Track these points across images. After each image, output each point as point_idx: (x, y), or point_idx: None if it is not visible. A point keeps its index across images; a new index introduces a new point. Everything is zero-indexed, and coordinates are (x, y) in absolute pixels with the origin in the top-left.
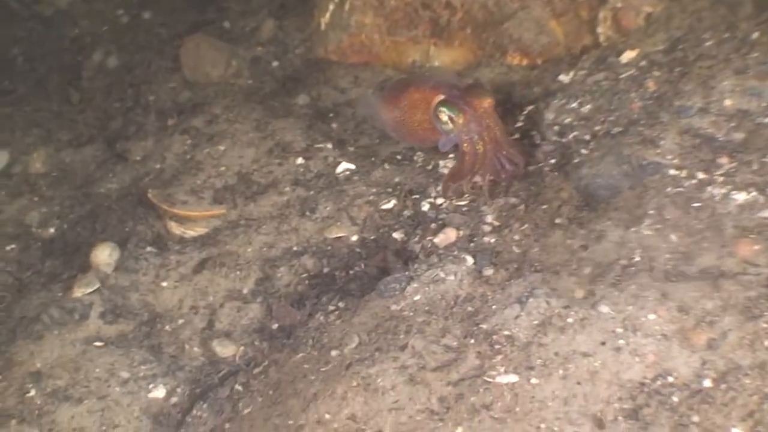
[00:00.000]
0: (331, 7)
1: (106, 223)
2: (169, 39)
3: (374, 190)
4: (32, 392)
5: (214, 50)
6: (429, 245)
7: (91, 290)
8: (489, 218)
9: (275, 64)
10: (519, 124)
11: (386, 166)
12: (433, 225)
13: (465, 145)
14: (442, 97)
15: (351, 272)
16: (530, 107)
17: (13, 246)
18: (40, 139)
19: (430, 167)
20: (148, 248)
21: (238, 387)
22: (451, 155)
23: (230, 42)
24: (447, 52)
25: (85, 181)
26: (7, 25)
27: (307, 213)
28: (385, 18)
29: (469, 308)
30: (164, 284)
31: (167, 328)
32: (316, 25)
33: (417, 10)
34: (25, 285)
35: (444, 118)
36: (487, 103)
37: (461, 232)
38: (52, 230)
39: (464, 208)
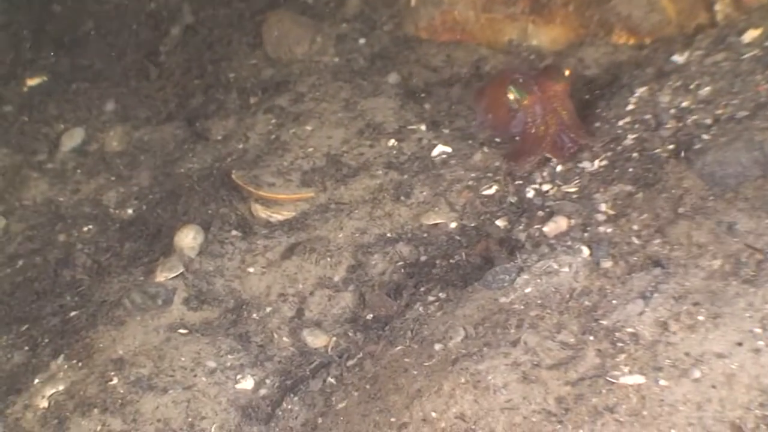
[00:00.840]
0: None
1: (188, 204)
2: (249, 14)
3: (474, 174)
4: (115, 380)
5: (298, 26)
6: (537, 234)
7: (174, 275)
8: (603, 206)
9: (362, 41)
10: (630, 107)
11: (485, 149)
12: (540, 213)
13: (527, 125)
14: (515, 76)
15: (451, 261)
16: (642, 89)
17: (90, 227)
18: (116, 117)
19: None
20: (233, 232)
21: (331, 380)
22: None
23: (314, 18)
24: (546, 30)
25: (164, 161)
26: None
27: (402, 198)
28: None
29: (587, 303)
30: (251, 270)
31: (254, 316)
32: (406, 0)
33: None
34: (104, 268)
35: (511, 97)
36: (560, 87)
37: (573, 221)
38: (130, 211)
39: (574, 195)
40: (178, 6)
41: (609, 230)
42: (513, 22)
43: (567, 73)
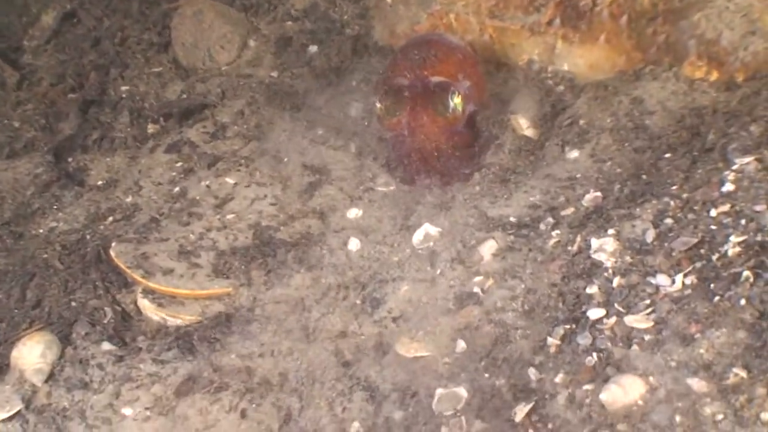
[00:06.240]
0: None
1: (43, 288)
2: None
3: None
4: None
5: (224, 22)
6: (588, 401)
7: (7, 415)
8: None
9: (314, 49)
10: (728, 187)
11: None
12: (588, 361)
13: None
14: (391, 82)
15: None
16: (744, 159)
17: None
18: None
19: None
20: (105, 345)
21: None
22: None
23: (247, 11)
24: (583, 51)
25: (16, 214)
26: None
27: (368, 306)
28: None
29: None
30: (127, 412)
31: None
32: None
33: None
34: None
35: (378, 106)
36: (437, 124)
37: (653, 383)
38: None
39: (647, 337)
40: None
41: (720, 417)
42: (534, 36)
43: (457, 101)
